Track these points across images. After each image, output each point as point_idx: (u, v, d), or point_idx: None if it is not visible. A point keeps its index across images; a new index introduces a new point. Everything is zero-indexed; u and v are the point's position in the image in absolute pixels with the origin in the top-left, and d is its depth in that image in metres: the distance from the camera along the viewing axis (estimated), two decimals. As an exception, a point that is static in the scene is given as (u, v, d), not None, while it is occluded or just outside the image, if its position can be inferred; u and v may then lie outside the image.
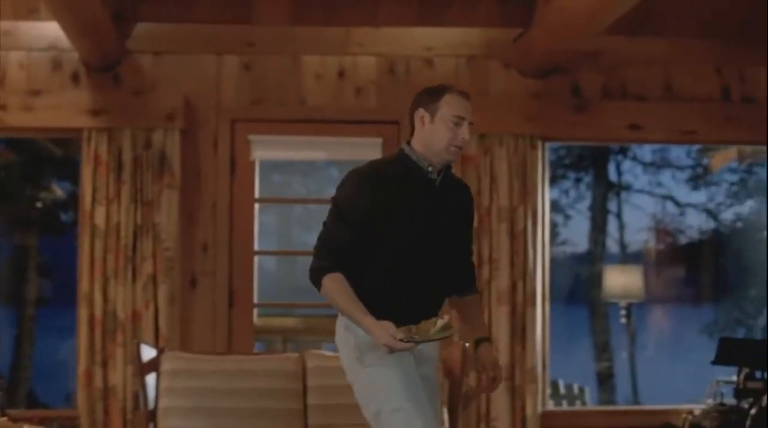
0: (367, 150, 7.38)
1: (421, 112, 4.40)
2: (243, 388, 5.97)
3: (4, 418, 6.08)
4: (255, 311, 7.48)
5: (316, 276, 4.33)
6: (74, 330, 7.09)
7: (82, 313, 7.02)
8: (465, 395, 6.71)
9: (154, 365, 6.04)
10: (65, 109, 7.13)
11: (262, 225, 7.62)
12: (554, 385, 11.37)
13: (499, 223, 7.21)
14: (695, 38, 7.55)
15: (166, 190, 7.09)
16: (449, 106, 4.37)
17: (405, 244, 4.35)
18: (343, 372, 6.05)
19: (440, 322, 4.24)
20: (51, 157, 14.78)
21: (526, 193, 7.23)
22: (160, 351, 6.17)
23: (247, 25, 7.36)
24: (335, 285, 4.28)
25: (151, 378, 5.99)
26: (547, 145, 7.48)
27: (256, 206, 7.42)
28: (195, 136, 7.26)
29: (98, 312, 6.99)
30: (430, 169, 4.42)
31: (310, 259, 4.34)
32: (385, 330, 4.15)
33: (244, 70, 7.34)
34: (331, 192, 4.46)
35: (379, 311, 4.23)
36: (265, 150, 7.39)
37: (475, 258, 5.23)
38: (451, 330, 4.26)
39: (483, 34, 7.42)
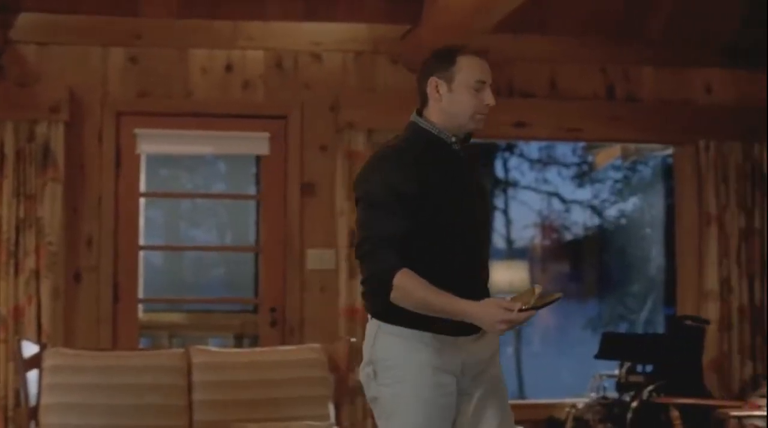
0: (254, 144, 7.38)
1: (434, 80, 3.93)
2: (127, 384, 5.90)
3: None
4: (140, 306, 7.41)
5: (383, 278, 3.70)
6: (-46, 325, 6.96)
7: (-37, 309, 6.90)
8: (351, 389, 6.72)
9: (36, 361, 5.95)
10: (-54, 100, 7.00)
11: (148, 220, 7.56)
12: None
13: (387, 219, 7.21)
14: (580, 37, 7.66)
15: (50, 183, 6.98)
16: (468, 70, 3.93)
17: (454, 225, 3.83)
18: (231, 367, 6.07)
19: (538, 289, 3.58)
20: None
21: (413, 188, 7.25)
22: (43, 347, 6.08)
23: (134, 17, 7.28)
24: (411, 281, 3.67)
25: (33, 375, 5.90)
26: (435, 141, 7.51)
27: (142, 200, 7.35)
28: (80, 129, 7.16)
29: (-21, 307, 6.87)
30: (453, 139, 3.97)
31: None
32: (496, 306, 3.58)
33: (131, 62, 7.26)
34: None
35: None
36: (150, 143, 7.32)
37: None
38: (555, 293, 3.62)
39: (371, 30, 7.44)
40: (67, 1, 7.20)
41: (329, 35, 7.42)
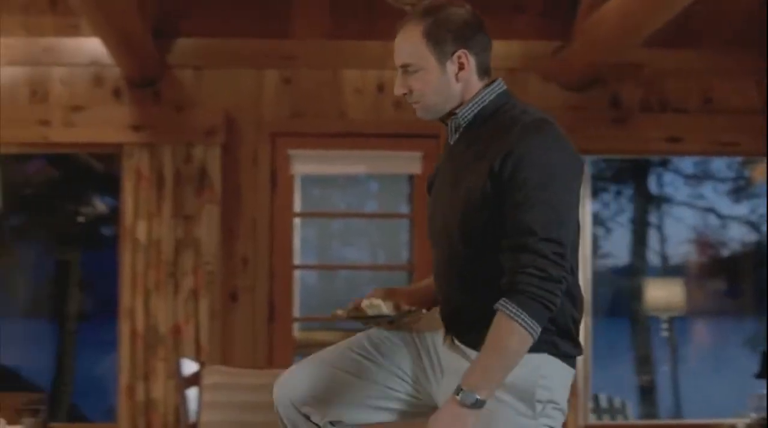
0: (407, 163, 7.41)
1: None
2: (283, 402, 5.96)
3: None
4: (295, 325, 7.49)
5: None
6: (115, 344, 7.13)
7: (124, 328, 7.06)
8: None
9: (195, 379, 6.06)
10: (107, 125, 7.18)
11: (302, 240, 7.63)
12: (596, 399, 11.31)
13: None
14: (734, 50, 7.51)
15: (207, 205, 7.12)
16: None
17: (429, 229, 3.46)
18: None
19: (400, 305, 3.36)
20: (92, 171, 14.85)
21: (565, 206, 7.20)
22: (201, 366, 6.19)
23: (287, 39, 7.38)
24: None
25: (192, 392, 6.01)
26: (587, 158, 7.45)
27: (296, 220, 7.43)
28: (235, 151, 7.28)
29: (140, 326, 7.02)
30: (447, 123, 3.39)
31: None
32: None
33: (284, 84, 7.36)
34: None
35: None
36: (304, 164, 7.40)
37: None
38: (400, 313, 3.33)
39: (522, 47, 7.41)
40: (222, 26, 7.34)
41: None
